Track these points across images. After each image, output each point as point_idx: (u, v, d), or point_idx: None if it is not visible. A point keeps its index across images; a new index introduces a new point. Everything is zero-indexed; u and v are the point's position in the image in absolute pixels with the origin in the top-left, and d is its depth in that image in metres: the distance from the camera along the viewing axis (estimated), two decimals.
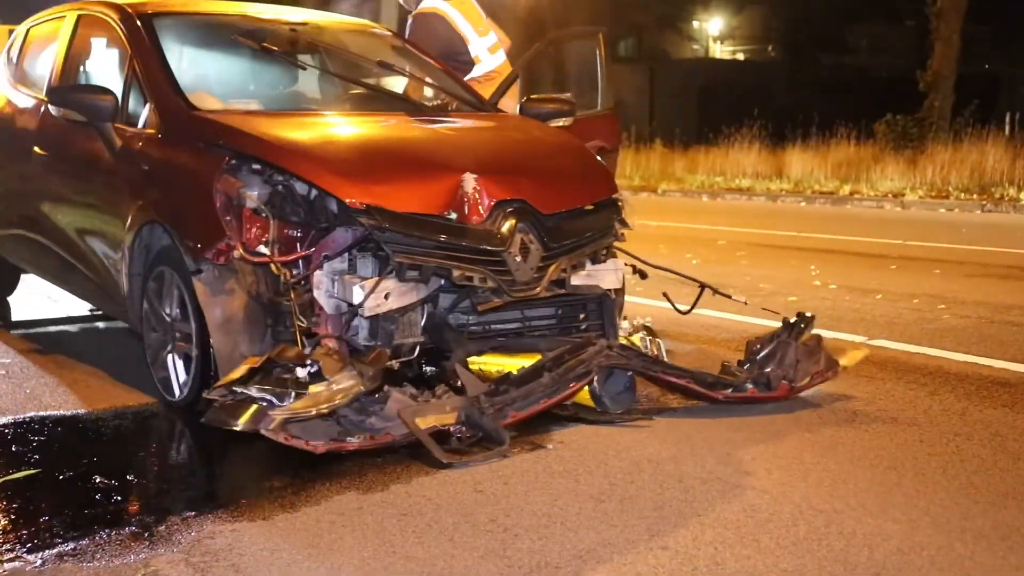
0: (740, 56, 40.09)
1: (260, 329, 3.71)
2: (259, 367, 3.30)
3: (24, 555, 2.65)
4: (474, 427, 3.45)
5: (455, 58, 5.88)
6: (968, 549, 2.73)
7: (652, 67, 32.72)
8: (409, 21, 6.08)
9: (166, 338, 4.05)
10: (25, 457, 3.43)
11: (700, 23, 39.75)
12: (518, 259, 3.72)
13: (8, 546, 2.70)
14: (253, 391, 3.24)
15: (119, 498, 3.09)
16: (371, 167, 3.82)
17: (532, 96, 5.29)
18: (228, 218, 3.70)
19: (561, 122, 5.08)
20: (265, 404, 3.21)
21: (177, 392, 3.98)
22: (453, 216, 3.72)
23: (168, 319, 4.03)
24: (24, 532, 2.79)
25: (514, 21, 25.94)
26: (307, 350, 3.47)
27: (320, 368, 3.29)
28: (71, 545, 2.71)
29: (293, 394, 3.23)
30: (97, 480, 3.24)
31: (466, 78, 5.75)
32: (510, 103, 5.55)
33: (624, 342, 4.13)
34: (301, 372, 3.28)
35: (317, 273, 3.65)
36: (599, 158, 5.27)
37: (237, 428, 3.20)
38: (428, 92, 5.25)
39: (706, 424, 3.83)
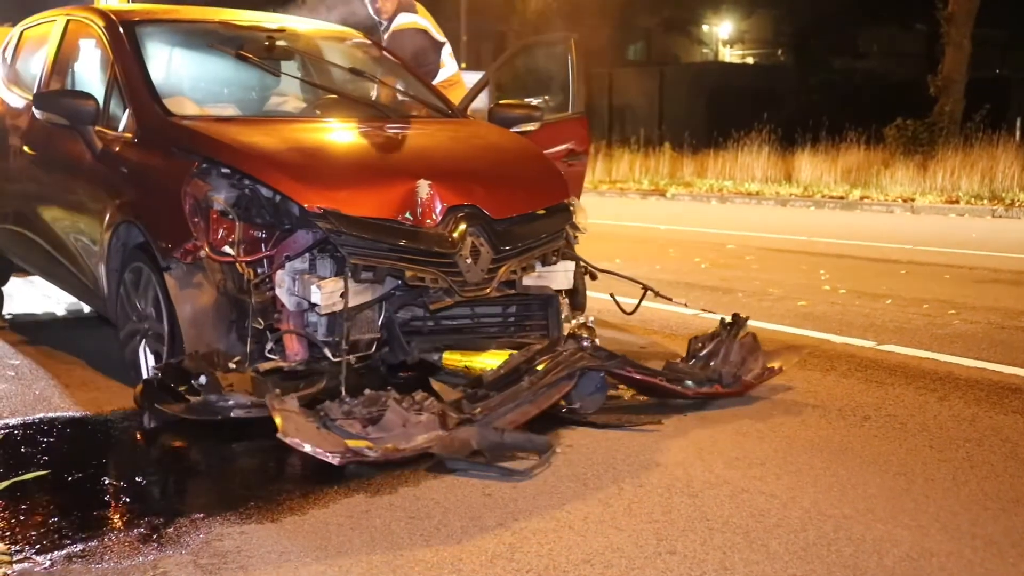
0: (750, 60, 40.03)
1: (227, 323, 3.91)
2: (173, 363, 3.70)
3: (33, 556, 2.66)
4: (497, 449, 3.42)
5: (426, 65, 6.04)
6: (978, 555, 2.71)
7: (662, 70, 32.69)
8: (386, 37, 6.18)
9: (139, 330, 4.24)
10: (34, 458, 3.45)
11: (710, 27, 39.69)
12: (469, 261, 3.89)
13: (17, 547, 2.70)
14: (166, 380, 3.65)
15: (128, 500, 3.10)
16: (330, 173, 4.03)
17: (500, 101, 5.47)
18: (196, 219, 3.90)
19: (529, 126, 5.23)
20: (159, 396, 3.60)
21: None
22: (411, 218, 3.88)
23: (141, 312, 4.22)
24: (33, 533, 2.80)
25: (522, 24, 25.99)
26: (268, 347, 3.84)
27: (210, 382, 3.55)
28: (80, 546, 2.71)
29: (184, 396, 3.57)
30: (106, 482, 3.25)
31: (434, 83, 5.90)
32: (479, 107, 5.68)
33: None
34: (202, 380, 3.58)
35: (279, 272, 3.84)
36: (572, 159, 5.53)
37: (138, 406, 3.70)
38: (398, 97, 5.37)
39: (714, 428, 3.83)
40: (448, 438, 3.42)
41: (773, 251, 9.66)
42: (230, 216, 3.87)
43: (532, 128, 5.25)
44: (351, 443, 3.25)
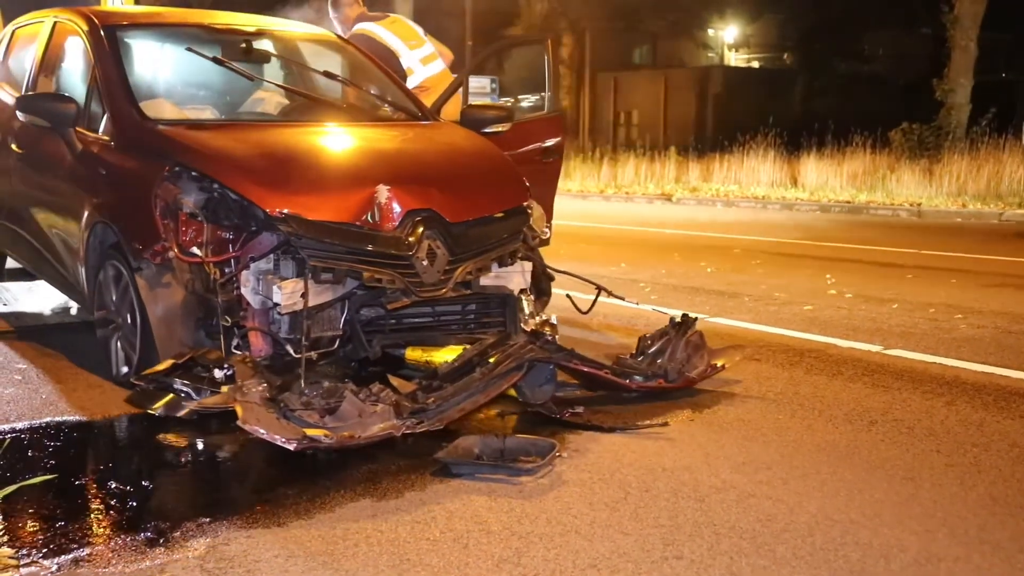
0: (755, 64, 40.01)
1: (195, 321, 4.10)
2: (182, 363, 3.88)
3: (40, 560, 2.66)
4: (499, 455, 3.47)
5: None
6: (986, 560, 2.71)
7: (667, 75, 32.72)
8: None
9: (114, 325, 4.43)
10: (41, 462, 3.45)
11: (715, 31, 39.68)
12: (425, 263, 4.06)
13: (24, 551, 2.71)
14: (175, 383, 3.85)
15: (135, 504, 3.10)
16: (294, 178, 4.20)
17: (472, 103, 5.65)
18: (166, 221, 4.08)
19: (500, 127, 5.39)
20: (183, 395, 3.81)
21: (114, 371, 4.42)
22: (371, 222, 4.04)
23: (115, 308, 4.41)
24: (40, 537, 2.80)
25: (528, 28, 26.01)
26: (234, 343, 3.99)
27: (235, 372, 3.74)
28: (87, 551, 2.72)
29: (207, 391, 3.77)
30: (112, 485, 3.25)
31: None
32: (451, 109, 5.80)
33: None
34: (218, 374, 3.82)
35: (244, 272, 4.02)
36: (547, 157, 5.77)
37: (152, 412, 3.81)
38: (370, 100, 5.52)
39: (720, 433, 3.82)
40: (450, 445, 3.49)
41: (779, 255, 9.66)
42: (199, 218, 4.05)
43: (502, 129, 5.40)
44: (309, 432, 3.38)
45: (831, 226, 13.23)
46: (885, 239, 11.17)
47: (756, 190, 18.21)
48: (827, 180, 17.67)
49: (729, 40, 40.38)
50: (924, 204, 15.14)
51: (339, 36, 6.25)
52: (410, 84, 6.19)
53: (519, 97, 6.51)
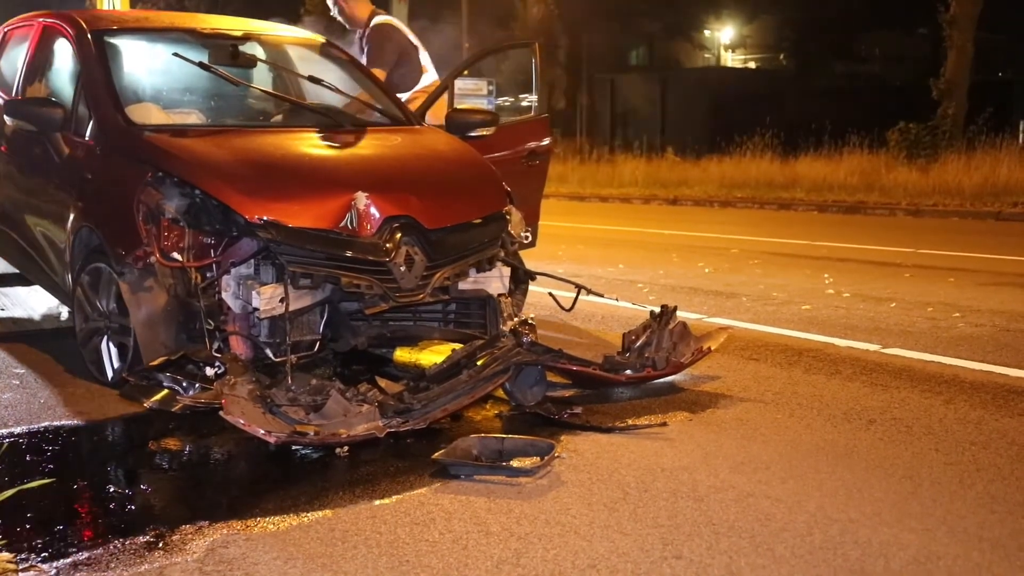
0: (752, 65, 40.01)
1: (177, 324, 4.16)
2: (174, 360, 3.97)
3: (39, 564, 2.66)
4: (495, 455, 3.48)
5: (406, 64, 6.24)
6: (986, 559, 2.71)
7: (663, 76, 32.69)
8: (364, 33, 6.36)
9: (99, 327, 4.46)
10: (39, 466, 3.44)
11: (712, 32, 39.69)
12: (403, 269, 4.13)
13: (23, 555, 2.70)
14: (166, 379, 3.94)
15: (133, 507, 3.10)
16: (273, 185, 4.23)
17: (457, 107, 5.69)
18: (149, 227, 4.14)
19: (485, 131, 5.43)
20: (176, 390, 3.89)
21: (110, 374, 4.41)
22: (350, 228, 4.10)
23: (102, 310, 4.43)
24: (39, 541, 2.80)
25: (523, 30, 26.00)
26: (215, 346, 4.06)
27: (225, 369, 3.84)
28: (85, 554, 2.71)
29: (198, 386, 3.86)
30: (111, 489, 3.25)
31: (418, 87, 6.13)
32: (438, 113, 5.84)
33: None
34: (209, 371, 3.90)
35: (225, 277, 4.09)
36: (533, 159, 5.86)
37: (146, 405, 3.92)
38: (355, 105, 5.53)
39: (719, 432, 3.82)
40: (449, 446, 3.49)
41: (776, 255, 9.66)
42: (180, 224, 4.11)
43: (487, 133, 5.43)
44: (299, 427, 3.44)
45: (828, 226, 13.23)
46: (882, 239, 11.17)
47: (753, 190, 18.21)
48: (824, 180, 17.66)
49: (725, 41, 40.38)
50: (921, 203, 15.15)
51: (328, 39, 6.23)
52: (424, 82, 6.20)
53: (519, 96, 6.60)
